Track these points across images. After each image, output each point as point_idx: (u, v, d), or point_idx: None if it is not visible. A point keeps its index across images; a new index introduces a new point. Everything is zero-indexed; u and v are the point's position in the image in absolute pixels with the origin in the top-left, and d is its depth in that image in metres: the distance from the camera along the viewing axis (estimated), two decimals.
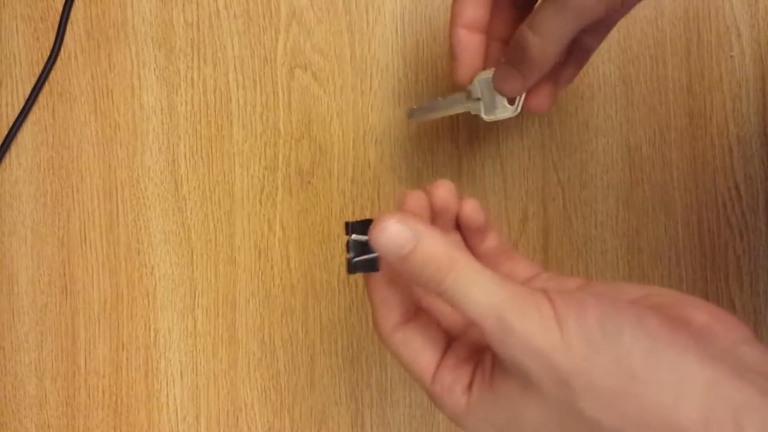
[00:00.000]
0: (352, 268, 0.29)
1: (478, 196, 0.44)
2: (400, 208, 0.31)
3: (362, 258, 0.29)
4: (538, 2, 0.32)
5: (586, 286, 0.30)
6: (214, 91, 0.46)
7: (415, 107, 0.40)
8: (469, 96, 0.36)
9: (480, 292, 0.25)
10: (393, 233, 0.26)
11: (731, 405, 0.23)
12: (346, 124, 0.45)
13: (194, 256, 0.45)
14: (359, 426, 0.44)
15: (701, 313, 0.27)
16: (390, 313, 0.29)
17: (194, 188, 0.46)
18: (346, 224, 0.29)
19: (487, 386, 0.27)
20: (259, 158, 0.45)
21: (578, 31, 0.31)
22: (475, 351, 0.29)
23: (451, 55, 0.35)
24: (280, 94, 0.45)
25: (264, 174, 0.45)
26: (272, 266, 0.45)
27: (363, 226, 0.28)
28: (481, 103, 0.36)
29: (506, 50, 0.33)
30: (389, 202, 0.44)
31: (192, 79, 0.46)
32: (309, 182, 0.45)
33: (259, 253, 0.45)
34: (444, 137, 0.44)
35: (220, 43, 0.46)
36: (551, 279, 0.33)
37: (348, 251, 0.29)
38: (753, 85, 0.43)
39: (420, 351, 0.29)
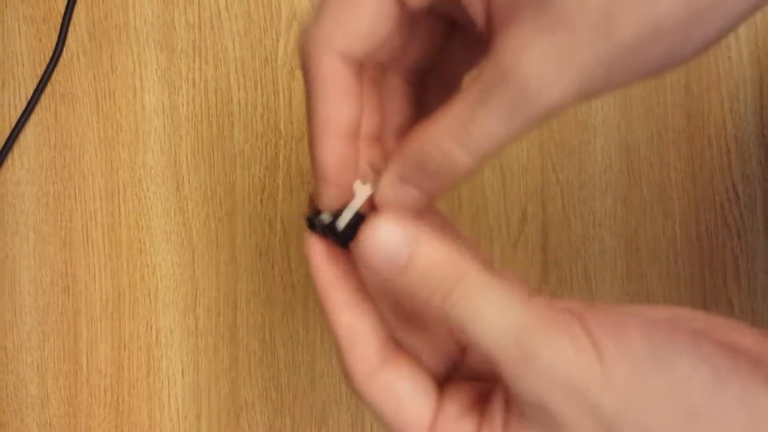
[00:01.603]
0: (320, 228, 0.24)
1: (477, 195, 0.44)
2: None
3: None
4: (463, 90, 0.21)
5: (591, 309, 0.24)
6: (216, 92, 0.46)
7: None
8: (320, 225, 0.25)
9: (495, 311, 0.20)
10: (387, 240, 0.21)
11: None
12: None
13: (195, 256, 0.45)
14: (359, 425, 0.44)
15: (750, 339, 0.21)
16: (364, 350, 0.23)
17: (196, 188, 0.46)
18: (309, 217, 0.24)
19: None
20: (260, 158, 0.45)
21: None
22: (478, 394, 0.23)
23: (318, 175, 0.24)
24: (281, 94, 0.45)
25: (265, 174, 0.45)
26: (273, 266, 0.45)
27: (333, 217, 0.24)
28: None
29: (399, 161, 0.23)
30: None
31: (193, 80, 0.46)
32: (310, 182, 0.45)
33: (260, 253, 0.45)
34: None
35: (222, 44, 0.46)
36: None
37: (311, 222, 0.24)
38: (751, 86, 0.43)
39: (409, 399, 0.23)
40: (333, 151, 0.23)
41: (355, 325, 0.23)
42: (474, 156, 0.21)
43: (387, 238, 0.21)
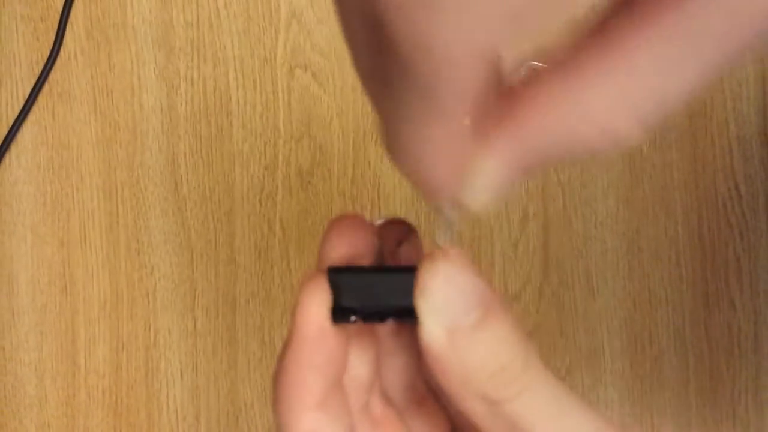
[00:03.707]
0: (349, 314, 0.18)
1: None
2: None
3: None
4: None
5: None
6: (214, 91, 0.46)
7: None
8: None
9: (565, 425, 0.17)
10: (461, 285, 0.16)
11: None
12: (346, 124, 0.45)
13: (194, 256, 0.45)
14: None
15: None
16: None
17: (194, 188, 0.45)
18: (329, 270, 0.18)
19: None
20: (259, 158, 0.45)
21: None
22: None
23: None
24: (280, 94, 0.45)
25: (264, 174, 0.45)
26: (272, 266, 0.45)
27: (357, 275, 0.18)
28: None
29: (512, 140, 0.16)
30: (389, 203, 0.44)
31: (192, 78, 0.46)
32: (309, 182, 0.45)
33: (259, 254, 0.45)
34: None
35: (220, 43, 0.46)
36: None
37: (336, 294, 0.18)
38: (753, 85, 0.43)
39: None
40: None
41: None
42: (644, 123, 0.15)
43: (453, 292, 0.16)
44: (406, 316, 0.17)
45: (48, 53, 0.46)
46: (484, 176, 0.16)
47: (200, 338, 0.45)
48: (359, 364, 0.19)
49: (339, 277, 0.18)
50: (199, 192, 0.45)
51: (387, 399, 0.21)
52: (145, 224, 0.46)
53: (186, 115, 0.46)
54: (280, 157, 0.45)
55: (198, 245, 0.45)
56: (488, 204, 0.16)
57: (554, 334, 0.43)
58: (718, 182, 0.43)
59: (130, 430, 0.45)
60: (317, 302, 0.17)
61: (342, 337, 0.18)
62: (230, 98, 0.46)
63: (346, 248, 0.19)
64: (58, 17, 0.46)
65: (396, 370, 0.21)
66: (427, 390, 0.21)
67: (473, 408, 0.17)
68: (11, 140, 0.46)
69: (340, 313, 0.17)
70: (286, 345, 0.18)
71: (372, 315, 0.17)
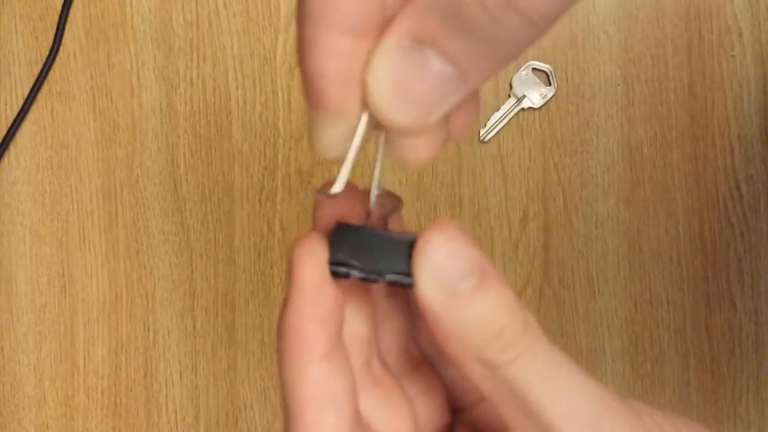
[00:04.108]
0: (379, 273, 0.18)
1: (478, 195, 0.44)
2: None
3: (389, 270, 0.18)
4: None
5: (633, 403, 0.20)
6: (214, 91, 0.46)
7: None
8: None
9: (564, 388, 0.17)
10: (451, 261, 0.17)
11: None
12: None
13: (193, 257, 0.45)
14: None
15: None
16: (334, 420, 0.18)
17: (193, 188, 0.45)
18: (336, 224, 0.19)
19: None
20: (259, 158, 0.45)
21: None
22: None
23: (308, 88, 0.17)
24: (280, 93, 0.45)
25: (264, 174, 0.45)
26: (272, 266, 0.45)
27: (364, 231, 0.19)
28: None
29: (414, 11, 0.15)
30: None
31: (191, 78, 0.46)
32: (309, 182, 0.45)
33: (259, 254, 0.45)
34: None
35: (220, 43, 0.46)
36: None
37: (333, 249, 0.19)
38: (754, 84, 0.43)
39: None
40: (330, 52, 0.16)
41: (329, 384, 0.18)
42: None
43: (450, 257, 0.17)
44: (403, 279, 0.17)
45: (47, 53, 0.46)
46: (384, 59, 0.15)
47: (199, 338, 0.45)
48: (357, 322, 0.20)
49: (342, 233, 0.18)
50: (198, 192, 0.45)
51: (384, 364, 0.21)
52: (145, 224, 0.45)
53: (185, 115, 0.46)
54: (280, 157, 0.45)
55: (197, 245, 0.45)
56: (410, 116, 0.15)
57: (555, 335, 0.43)
58: (719, 182, 0.43)
59: (129, 430, 0.45)
60: (316, 256, 0.18)
61: (339, 293, 0.18)
62: (230, 98, 0.45)
63: (337, 211, 0.19)
64: (57, 17, 0.46)
65: (391, 335, 0.21)
66: (422, 357, 0.22)
67: (473, 371, 0.17)
68: (10, 140, 0.46)
69: (339, 268, 0.18)
70: (286, 300, 0.18)
71: (370, 273, 0.18)
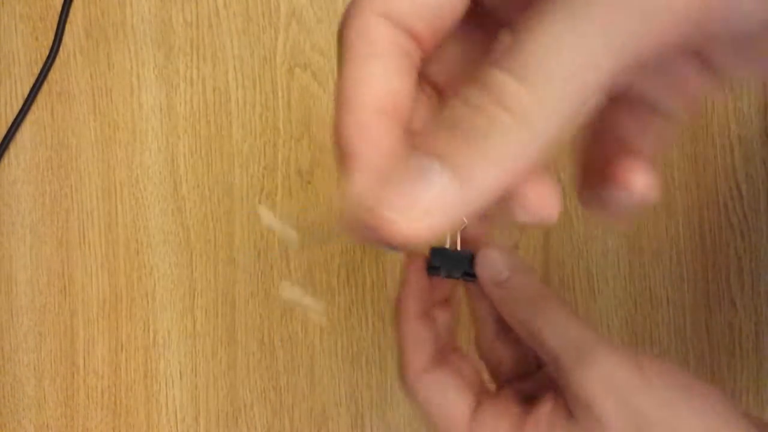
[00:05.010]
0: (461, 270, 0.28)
1: None
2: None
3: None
4: (534, 8, 0.16)
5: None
6: (214, 91, 0.46)
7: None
8: None
9: (565, 327, 0.26)
10: (493, 263, 0.27)
11: None
12: None
13: (193, 257, 0.45)
14: (359, 427, 0.44)
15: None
16: (422, 352, 0.27)
17: (193, 188, 0.45)
18: (432, 248, 0.28)
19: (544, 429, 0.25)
20: (259, 158, 0.45)
21: (631, 72, 0.16)
22: (523, 401, 0.27)
23: (341, 153, 0.19)
24: (280, 93, 0.45)
25: (263, 174, 0.45)
26: (272, 266, 0.45)
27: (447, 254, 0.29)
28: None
29: (445, 114, 0.17)
30: None
31: (191, 78, 0.46)
32: (309, 182, 0.45)
33: (259, 254, 0.45)
34: None
35: (220, 43, 0.46)
36: None
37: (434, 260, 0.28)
38: (755, 84, 0.43)
39: (453, 396, 0.27)
40: (357, 122, 0.18)
41: (420, 332, 0.27)
42: (536, 89, 0.16)
43: (492, 261, 0.27)
44: (469, 277, 0.28)
45: (47, 52, 0.46)
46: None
47: (199, 339, 0.45)
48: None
49: (434, 251, 0.28)
50: (198, 192, 0.45)
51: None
52: (144, 224, 0.46)
53: (185, 115, 0.46)
54: (280, 157, 0.45)
55: (197, 245, 0.45)
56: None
57: None
58: (719, 182, 0.43)
59: (129, 430, 0.45)
60: (419, 266, 0.28)
61: (429, 283, 0.28)
62: (229, 98, 0.45)
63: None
64: (57, 16, 0.46)
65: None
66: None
67: (517, 328, 0.27)
68: (10, 140, 0.46)
69: (432, 270, 0.28)
70: (402, 288, 0.28)
71: (450, 273, 0.28)
